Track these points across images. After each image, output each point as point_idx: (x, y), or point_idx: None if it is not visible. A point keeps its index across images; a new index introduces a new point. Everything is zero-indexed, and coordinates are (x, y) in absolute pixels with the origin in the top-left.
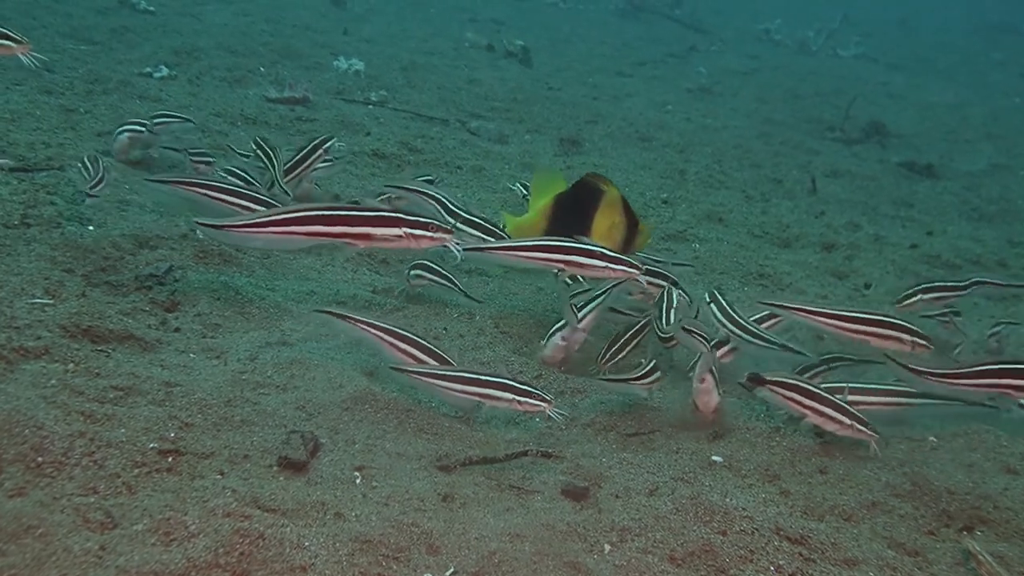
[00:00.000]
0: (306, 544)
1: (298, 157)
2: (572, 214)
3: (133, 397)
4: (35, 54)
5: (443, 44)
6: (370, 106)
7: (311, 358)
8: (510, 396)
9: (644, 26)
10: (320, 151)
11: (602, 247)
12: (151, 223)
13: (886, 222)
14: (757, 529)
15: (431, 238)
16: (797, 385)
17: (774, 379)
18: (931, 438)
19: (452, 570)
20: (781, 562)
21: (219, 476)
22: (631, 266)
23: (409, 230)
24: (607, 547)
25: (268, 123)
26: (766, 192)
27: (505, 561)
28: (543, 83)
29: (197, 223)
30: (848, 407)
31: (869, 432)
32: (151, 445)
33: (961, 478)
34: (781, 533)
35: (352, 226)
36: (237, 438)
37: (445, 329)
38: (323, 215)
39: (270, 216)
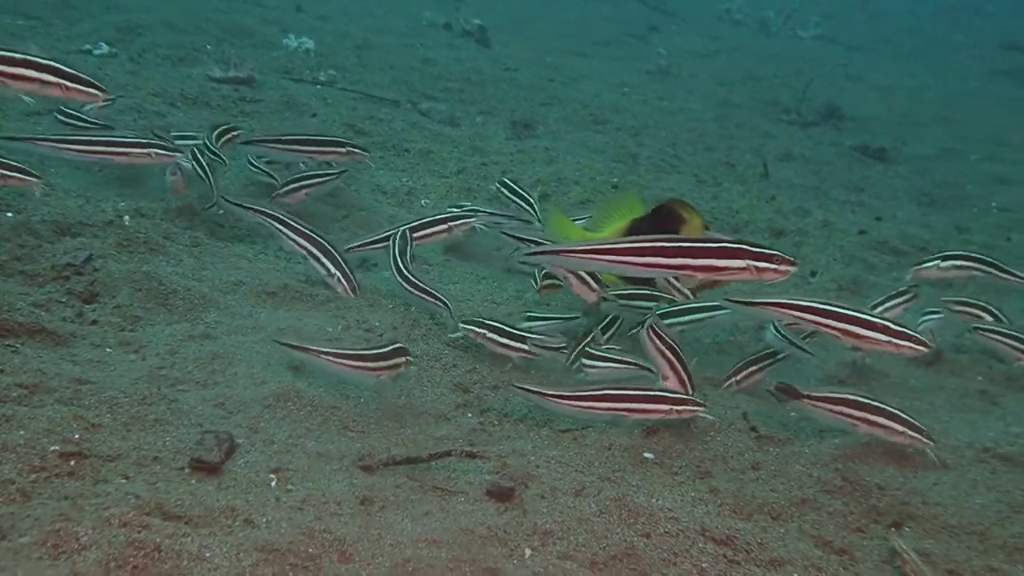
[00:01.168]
0: (207, 555)
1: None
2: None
3: (39, 395)
4: None
5: (399, 22)
6: (318, 86)
7: (235, 352)
8: (667, 407)
9: (607, 5)
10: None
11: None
12: (75, 208)
13: (836, 207)
14: (682, 531)
15: (775, 271)
16: (843, 398)
17: (817, 395)
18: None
19: None
20: (704, 564)
21: (124, 480)
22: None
23: (753, 262)
24: (528, 551)
25: (210, 103)
26: (718, 176)
27: (420, 569)
28: (500, 63)
29: (530, 255)
30: (902, 413)
31: (924, 439)
32: (52, 448)
33: (893, 473)
34: (707, 534)
35: (694, 258)
36: (148, 439)
37: (379, 322)
38: (663, 247)
39: (605, 244)
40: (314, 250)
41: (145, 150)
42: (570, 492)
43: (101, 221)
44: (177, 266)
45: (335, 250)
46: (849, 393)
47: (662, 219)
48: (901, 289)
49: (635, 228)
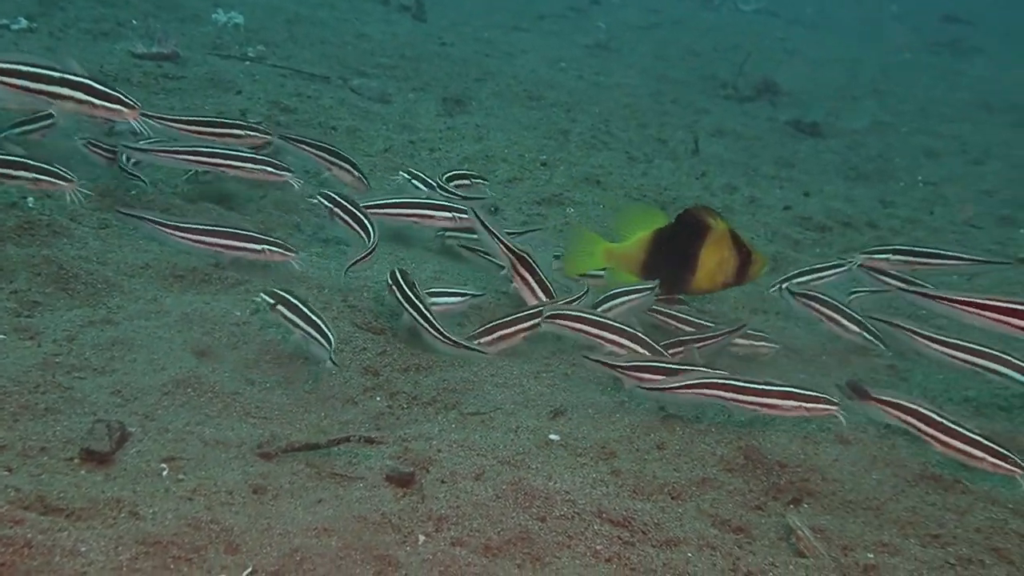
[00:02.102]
0: (82, 550)
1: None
2: (675, 249)
3: None
4: None
5: None
6: (247, 62)
7: (136, 338)
8: (794, 404)
9: None
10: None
11: None
12: None
13: (765, 183)
14: (578, 513)
15: None
16: (916, 410)
17: (888, 399)
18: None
19: (250, 570)
20: (599, 546)
21: (6, 473)
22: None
23: None
24: (422, 538)
25: (131, 80)
26: (650, 153)
27: (308, 558)
28: (435, 38)
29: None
30: (982, 438)
31: (1009, 466)
32: None
33: (795, 450)
34: (603, 516)
35: None
36: (37, 428)
37: None
38: None
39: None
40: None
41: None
42: (470, 476)
43: (3, 203)
44: (82, 249)
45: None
46: (924, 406)
47: (687, 227)
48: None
49: (659, 237)
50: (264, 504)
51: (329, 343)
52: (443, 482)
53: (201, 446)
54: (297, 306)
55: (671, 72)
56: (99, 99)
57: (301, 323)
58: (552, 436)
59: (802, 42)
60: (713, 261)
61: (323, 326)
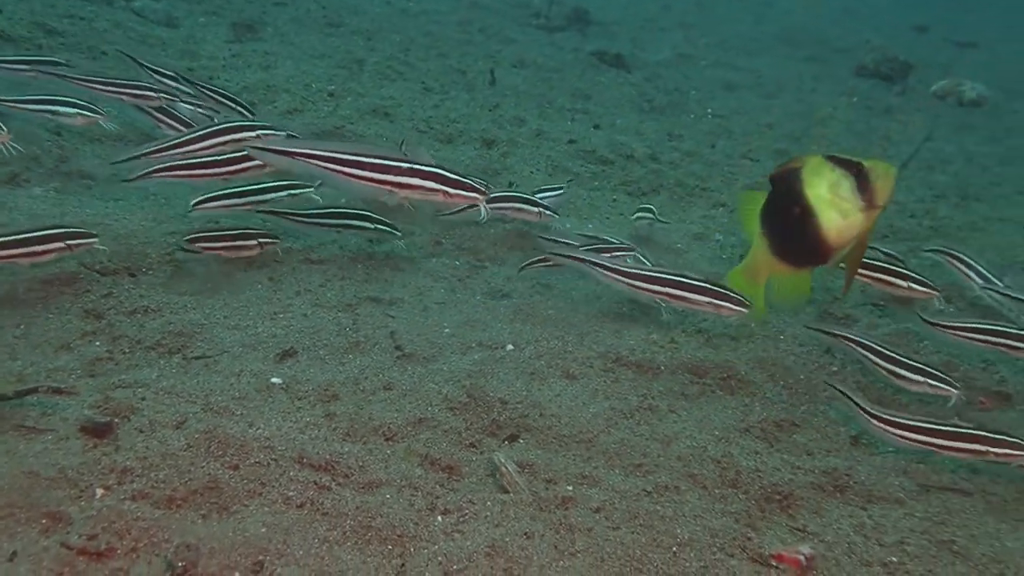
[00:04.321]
0: None
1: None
2: (784, 211)
3: None
4: None
5: None
6: None
7: None
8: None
9: None
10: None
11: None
12: None
13: (557, 116)
14: (276, 459)
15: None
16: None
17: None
18: (508, 346)
19: None
20: (291, 493)
21: None
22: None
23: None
24: (100, 492)
25: None
26: (446, 84)
27: None
28: None
29: None
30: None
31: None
32: None
33: (519, 387)
34: (304, 460)
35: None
36: None
37: None
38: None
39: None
40: None
41: None
42: (170, 425)
43: None
44: None
45: None
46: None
47: (779, 185)
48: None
49: (766, 216)
50: None
51: None
52: (141, 431)
53: None
54: None
55: None
56: (452, 188)
57: None
58: (274, 379)
59: None
60: (823, 194)
61: None
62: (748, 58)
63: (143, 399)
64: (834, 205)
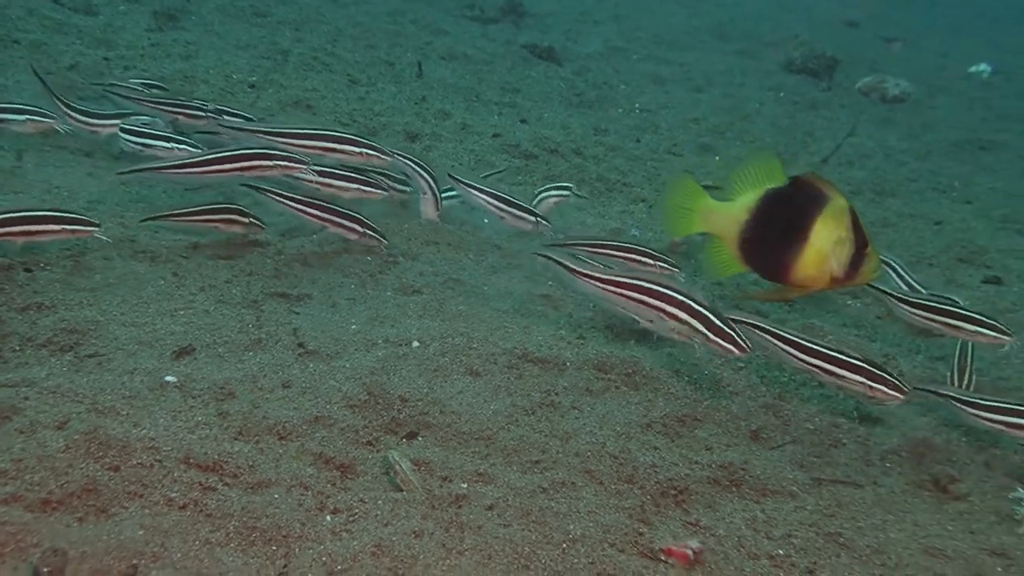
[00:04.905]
0: None
1: None
2: (785, 216)
3: None
4: None
5: None
6: None
7: None
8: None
9: None
10: None
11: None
12: None
13: (484, 109)
14: (160, 460)
15: None
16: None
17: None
18: (415, 342)
19: None
20: (174, 494)
21: None
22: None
23: None
24: None
25: None
26: (373, 76)
27: None
28: None
29: None
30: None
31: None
32: None
33: (421, 384)
34: (191, 461)
35: None
36: None
37: None
38: None
39: None
40: None
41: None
42: (52, 426)
43: None
44: None
45: None
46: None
47: (799, 193)
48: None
49: (769, 200)
50: None
51: None
52: (21, 432)
53: None
54: None
55: None
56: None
57: None
58: (168, 378)
59: None
60: (828, 239)
61: None
62: (679, 52)
63: (26, 399)
64: (821, 260)
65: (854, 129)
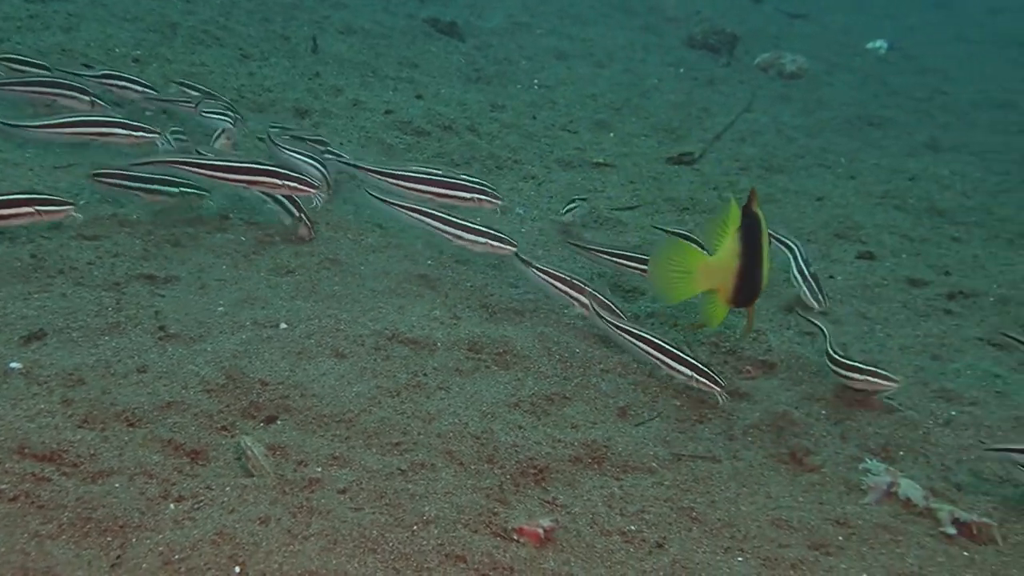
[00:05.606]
0: None
1: None
2: (754, 246)
3: None
4: None
5: None
6: None
7: None
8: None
9: None
10: None
11: None
12: None
13: (379, 85)
14: None
15: None
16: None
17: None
18: (282, 324)
19: None
20: (3, 486)
21: None
22: None
23: None
24: None
25: None
26: (266, 51)
27: None
28: None
29: None
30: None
31: None
32: None
33: (283, 367)
34: (26, 451)
35: None
36: None
37: None
38: None
39: None
40: None
41: None
42: None
43: None
44: None
45: None
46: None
47: (750, 219)
48: None
49: (743, 239)
50: None
51: None
52: None
53: None
54: None
55: None
56: None
57: None
58: (14, 364)
59: None
60: (766, 255)
61: None
62: (584, 27)
63: None
64: (765, 275)
65: (749, 105)
